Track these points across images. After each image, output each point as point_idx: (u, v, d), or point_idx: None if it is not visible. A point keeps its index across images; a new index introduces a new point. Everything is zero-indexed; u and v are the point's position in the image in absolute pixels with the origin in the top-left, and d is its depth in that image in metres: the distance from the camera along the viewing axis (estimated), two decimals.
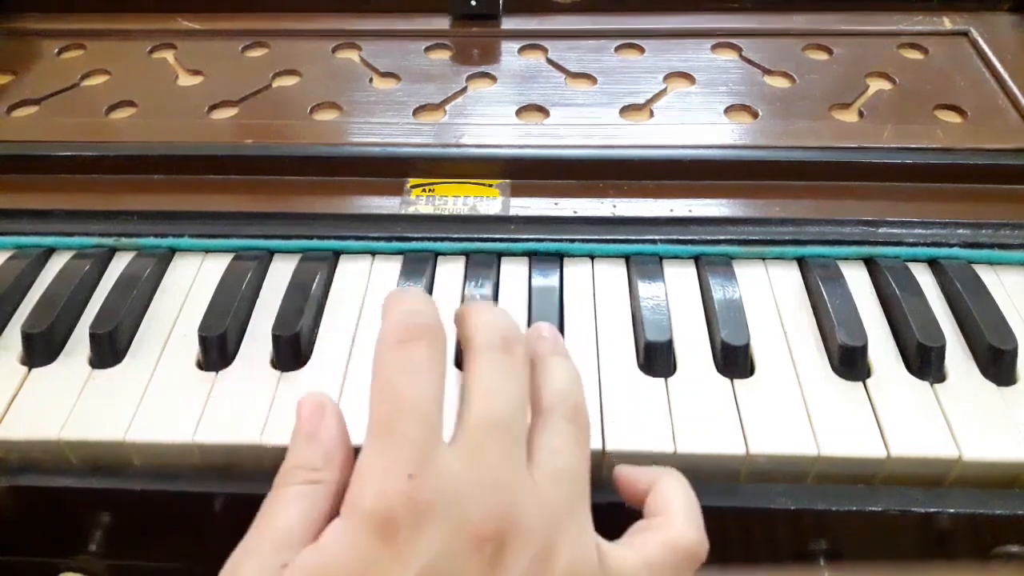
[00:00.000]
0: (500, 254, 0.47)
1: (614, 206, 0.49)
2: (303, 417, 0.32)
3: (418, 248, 0.47)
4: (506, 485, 0.29)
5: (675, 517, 0.32)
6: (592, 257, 0.47)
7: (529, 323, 0.42)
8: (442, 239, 0.47)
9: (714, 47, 0.63)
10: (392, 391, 0.29)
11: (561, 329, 0.42)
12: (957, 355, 0.41)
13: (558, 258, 0.47)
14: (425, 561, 0.27)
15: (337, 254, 0.47)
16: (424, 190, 0.50)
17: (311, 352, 0.42)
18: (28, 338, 0.42)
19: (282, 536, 0.28)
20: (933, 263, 0.46)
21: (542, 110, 0.57)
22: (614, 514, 0.37)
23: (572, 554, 0.29)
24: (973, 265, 0.45)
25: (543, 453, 0.31)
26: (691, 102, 0.57)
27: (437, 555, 0.27)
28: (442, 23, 0.67)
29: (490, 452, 0.29)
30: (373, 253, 0.47)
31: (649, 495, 0.34)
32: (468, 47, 0.64)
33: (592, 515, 0.33)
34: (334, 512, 0.29)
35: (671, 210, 0.49)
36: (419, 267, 0.46)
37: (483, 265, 0.46)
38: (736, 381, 0.40)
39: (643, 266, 0.46)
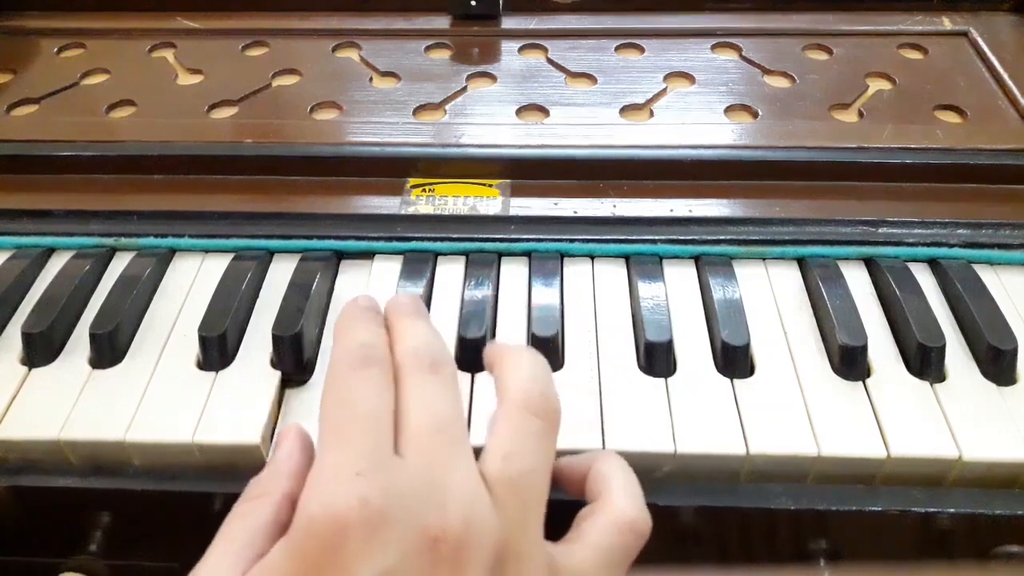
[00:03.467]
0: (500, 254, 0.47)
1: (614, 206, 0.49)
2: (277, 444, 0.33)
3: (418, 248, 0.47)
4: (456, 491, 0.28)
5: (614, 497, 0.32)
6: (592, 257, 0.47)
7: (529, 323, 0.42)
8: (442, 239, 0.47)
9: (714, 47, 0.63)
10: (343, 404, 0.30)
11: (561, 329, 0.42)
12: (957, 355, 0.41)
13: (558, 258, 0.47)
14: (379, 569, 0.26)
15: (337, 254, 0.47)
16: (424, 190, 0.50)
17: (311, 352, 0.42)
18: (28, 338, 0.42)
19: (224, 554, 0.29)
20: (933, 263, 0.46)
21: (542, 110, 0.57)
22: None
23: (527, 564, 0.29)
24: (973, 265, 0.45)
25: (499, 452, 0.30)
26: (691, 102, 0.57)
27: (390, 564, 0.26)
28: (442, 23, 0.67)
29: (437, 457, 0.29)
30: (373, 253, 0.47)
31: (587, 480, 0.33)
32: (468, 47, 0.64)
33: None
34: (280, 521, 0.29)
35: (671, 210, 0.49)
36: (419, 267, 0.46)
37: (483, 265, 0.46)
38: (736, 381, 0.40)
39: (643, 266, 0.46)
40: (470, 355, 0.41)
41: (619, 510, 0.32)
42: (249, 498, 0.31)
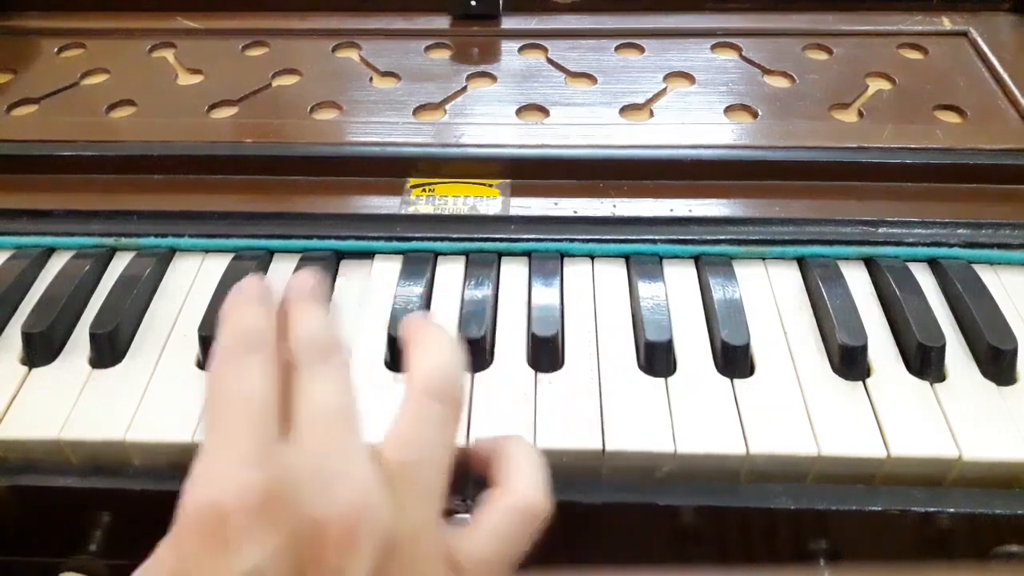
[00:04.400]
0: (500, 254, 0.47)
1: (614, 206, 0.49)
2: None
3: (418, 248, 0.47)
4: (345, 479, 0.28)
5: (513, 480, 0.32)
6: (592, 257, 0.47)
7: (529, 323, 0.42)
8: (442, 239, 0.47)
9: (714, 47, 0.63)
10: (224, 392, 0.29)
11: (561, 329, 0.42)
12: (957, 355, 0.41)
13: (558, 258, 0.47)
14: (264, 555, 0.25)
15: (337, 254, 0.47)
16: (424, 190, 0.50)
17: None
18: (28, 338, 0.42)
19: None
20: (933, 263, 0.46)
21: (542, 110, 0.57)
22: (612, 514, 0.37)
23: (421, 550, 0.29)
24: (973, 265, 0.45)
25: (397, 439, 0.30)
26: (691, 102, 0.57)
27: (277, 550, 0.26)
28: (442, 23, 0.67)
29: (326, 443, 0.29)
30: (373, 253, 0.47)
31: (492, 464, 0.33)
32: (468, 47, 0.64)
33: (591, 515, 0.33)
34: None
35: (671, 210, 0.49)
36: (419, 267, 0.46)
37: (483, 265, 0.46)
38: (736, 381, 0.40)
39: (643, 266, 0.46)
40: (470, 355, 0.41)
41: (517, 493, 0.31)
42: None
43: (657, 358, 0.41)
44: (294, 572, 0.26)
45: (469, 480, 0.33)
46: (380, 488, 0.28)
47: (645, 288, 0.44)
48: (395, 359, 0.41)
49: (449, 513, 0.32)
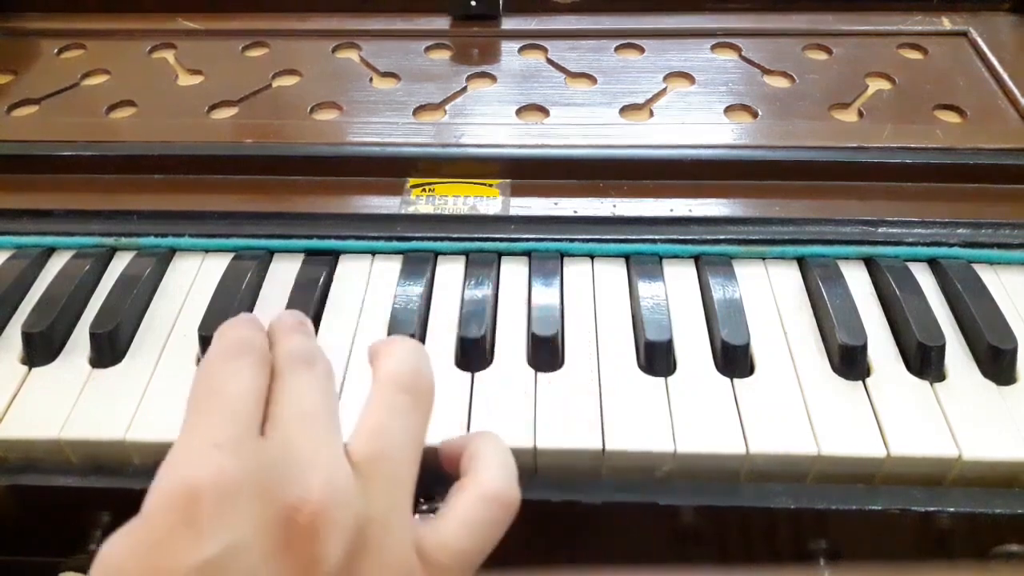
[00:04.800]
0: (500, 254, 0.47)
1: (614, 206, 0.49)
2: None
3: (418, 248, 0.47)
4: (317, 468, 0.28)
5: (483, 470, 0.32)
6: (592, 257, 0.47)
7: (529, 323, 0.42)
8: (442, 239, 0.47)
9: (714, 47, 0.63)
10: (209, 387, 0.30)
11: (561, 329, 0.42)
12: (957, 355, 0.41)
13: (558, 258, 0.47)
14: (234, 536, 0.26)
15: (337, 254, 0.47)
16: (424, 190, 0.50)
17: None
18: (28, 338, 0.42)
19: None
20: (933, 263, 0.46)
21: (542, 110, 0.57)
22: (612, 514, 0.37)
23: (391, 537, 0.29)
24: (973, 265, 0.45)
25: (363, 431, 0.31)
26: (691, 102, 0.57)
27: (245, 532, 0.26)
28: (442, 23, 0.67)
29: (301, 437, 0.29)
30: (373, 253, 0.47)
31: (462, 457, 0.34)
32: (468, 47, 0.64)
33: (591, 515, 0.33)
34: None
35: (671, 210, 0.49)
36: (419, 267, 0.46)
37: (483, 265, 0.46)
38: (736, 381, 0.40)
39: (643, 266, 0.46)
40: (470, 355, 0.41)
41: (485, 483, 0.32)
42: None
43: (657, 358, 0.41)
44: (264, 557, 0.26)
45: (441, 481, 0.33)
46: (349, 477, 0.29)
47: (645, 288, 0.44)
48: None
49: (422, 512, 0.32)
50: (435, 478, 0.33)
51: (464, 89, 0.59)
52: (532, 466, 0.38)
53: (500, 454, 0.33)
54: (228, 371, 0.31)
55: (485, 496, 0.31)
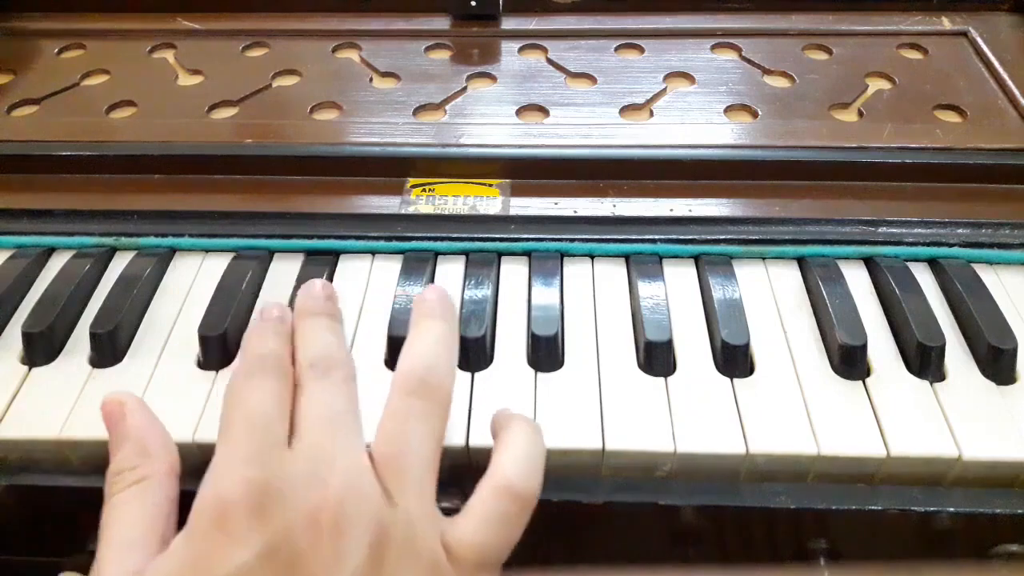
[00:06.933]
0: (500, 254, 0.47)
1: (614, 206, 0.49)
2: (106, 421, 0.34)
3: (418, 248, 0.47)
4: (337, 470, 0.30)
5: (504, 461, 0.32)
6: (592, 257, 0.47)
7: (529, 323, 0.42)
8: (442, 239, 0.47)
9: (714, 47, 0.63)
10: (234, 407, 0.32)
11: (561, 329, 0.42)
12: (957, 355, 0.41)
13: (558, 258, 0.47)
14: (265, 540, 0.28)
15: (337, 254, 0.47)
16: (424, 190, 0.50)
17: None
18: (28, 338, 0.42)
19: (127, 544, 0.30)
20: (933, 263, 0.46)
21: (542, 110, 0.57)
22: (612, 514, 0.37)
23: (413, 535, 0.30)
24: (973, 265, 0.45)
25: (382, 435, 0.32)
26: (691, 102, 0.57)
27: (275, 536, 0.28)
28: (442, 23, 0.67)
29: (325, 444, 0.31)
30: (373, 253, 0.47)
31: (495, 442, 0.34)
32: (468, 47, 0.64)
33: (591, 515, 0.33)
34: (172, 496, 0.32)
35: (671, 210, 0.49)
36: (419, 267, 0.46)
37: (483, 265, 0.46)
38: (736, 380, 0.40)
39: (643, 266, 0.46)
40: (470, 355, 0.41)
41: (501, 475, 0.32)
42: (127, 482, 0.32)
43: (657, 358, 0.41)
44: (293, 560, 0.28)
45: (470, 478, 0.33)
46: (370, 479, 0.30)
47: (645, 288, 0.44)
48: (395, 359, 0.41)
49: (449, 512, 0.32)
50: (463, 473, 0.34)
51: (464, 89, 0.59)
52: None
53: (526, 442, 0.33)
54: (249, 388, 0.32)
55: (498, 488, 0.32)
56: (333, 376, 0.34)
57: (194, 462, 0.38)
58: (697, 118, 0.55)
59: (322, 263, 0.46)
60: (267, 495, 0.28)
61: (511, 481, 0.32)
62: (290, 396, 0.33)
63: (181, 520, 0.31)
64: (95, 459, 0.38)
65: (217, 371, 0.41)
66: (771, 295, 0.44)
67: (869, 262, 0.46)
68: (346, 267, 0.47)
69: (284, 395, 0.33)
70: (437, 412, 0.33)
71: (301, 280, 0.45)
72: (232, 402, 0.32)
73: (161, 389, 0.40)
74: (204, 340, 0.41)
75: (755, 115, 0.55)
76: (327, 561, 0.28)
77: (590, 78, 0.60)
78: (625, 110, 0.56)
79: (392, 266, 0.46)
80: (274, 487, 0.29)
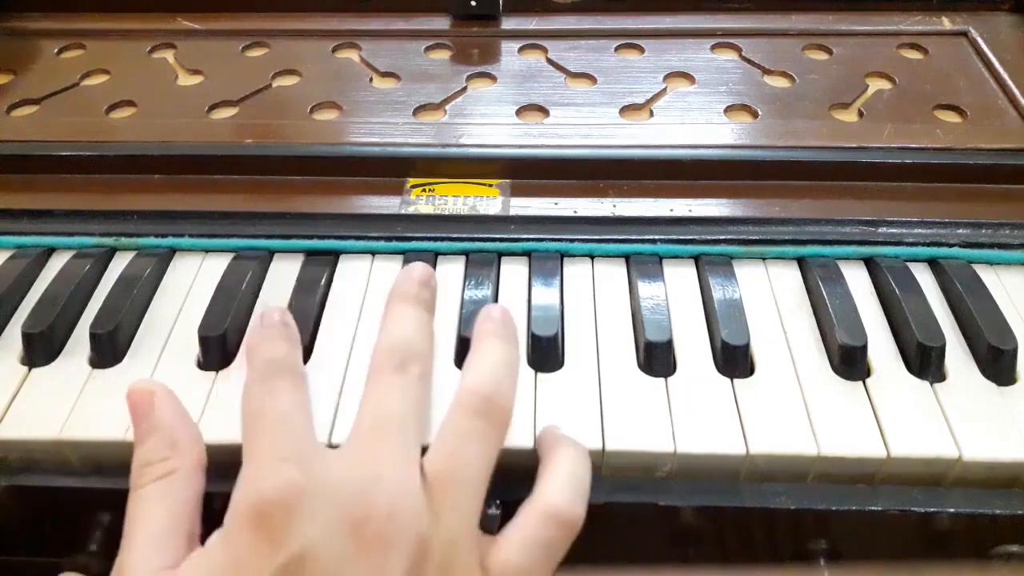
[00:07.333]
0: (500, 254, 0.47)
1: (614, 206, 0.49)
2: (133, 411, 0.33)
3: (418, 248, 0.47)
4: (387, 481, 0.29)
5: (548, 485, 0.32)
6: (592, 257, 0.47)
7: (529, 323, 0.42)
8: (442, 239, 0.47)
9: (714, 47, 0.63)
10: (254, 412, 0.31)
11: (561, 329, 0.42)
12: (957, 355, 0.41)
13: (558, 258, 0.47)
14: (302, 545, 0.27)
15: (337, 254, 0.47)
16: (424, 190, 0.50)
17: (310, 352, 0.42)
18: (28, 338, 0.41)
19: (153, 540, 0.29)
20: (933, 263, 0.46)
21: (542, 110, 0.57)
22: (612, 514, 0.37)
23: (455, 557, 0.29)
24: (973, 265, 0.45)
25: (438, 451, 0.31)
26: (691, 102, 0.57)
27: (314, 539, 0.27)
28: (442, 23, 0.67)
29: (372, 449, 0.30)
30: (373, 253, 0.47)
31: (540, 463, 0.34)
32: (468, 47, 0.64)
33: (591, 515, 0.33)
34: (199, 491, 0.31)
35: (671, 210, 0.49)
36: None
37: (483, 265, 0.46)
38: (736, 381, 0.40)
39: (643, 266, 0.46)
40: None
41: (545, 500, 0.32)
42: (154, 475, 0.31)
43: (657, 358, 0.41)
44: (333, 564, 0.27)
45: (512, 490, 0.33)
46: (417, 494, 0.29)
47: (645, 288, 0.44)
48: None
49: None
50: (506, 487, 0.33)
51: (464, 89, 0.59)
52: (532, 466, 0.38)
53: (571, 465, 0.33)
54: (269, 391, 0.32)
55: (543, 513, 0.31)
56: (409, 370, 0.33)
57: None
58: (697, 118, 0.55)
59: (322, 263, 0.46)
60: (308, 494, 0.28)
61: (557, 507, 0.31)
62: (309, 399, 0.32)
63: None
64: (95, 459, 0.39)
65: (217, 371, 0.41)
66: (771, 295, 0.44)
67: (869, 262, 0.46)
68: (346, 267, 0.47)
69: (304, 398, 0.32)
70: (496, 436, 0.32)
71: (301, 280, 0.45)
72: (254, 408, 0.31)
73: None
74: (204, 340, 0.41)
75: (755, 115, 0.55)
76: (366, 573, 0.27)
77: (590, 78, 0.60)
78: (625, 110, 0.56)
79: (392, 266, 0.46)
80: (315, 486, 0.28)
